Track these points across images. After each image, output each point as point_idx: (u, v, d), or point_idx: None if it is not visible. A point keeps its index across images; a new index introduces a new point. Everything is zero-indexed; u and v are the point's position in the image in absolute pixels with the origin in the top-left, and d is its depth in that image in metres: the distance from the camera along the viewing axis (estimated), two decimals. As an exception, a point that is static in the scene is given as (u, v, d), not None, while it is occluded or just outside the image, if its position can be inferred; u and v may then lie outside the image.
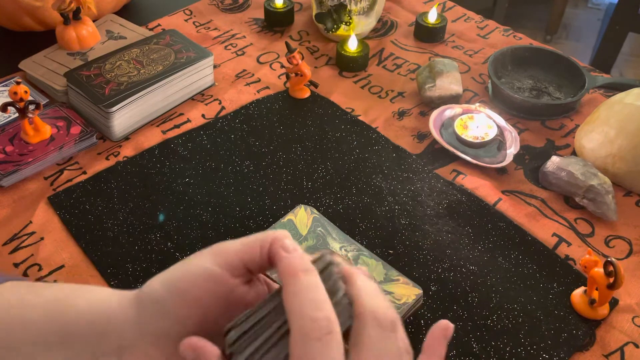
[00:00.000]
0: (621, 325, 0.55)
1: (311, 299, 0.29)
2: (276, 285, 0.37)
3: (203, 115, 0.78)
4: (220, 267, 0.33)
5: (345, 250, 0.58)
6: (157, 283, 0.33)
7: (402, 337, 0.31)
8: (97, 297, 0.35)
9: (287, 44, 0.78)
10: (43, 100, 0.78)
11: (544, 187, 0.70)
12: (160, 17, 0.97)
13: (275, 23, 0.97)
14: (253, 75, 0.86)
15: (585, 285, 0.57)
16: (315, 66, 0.88)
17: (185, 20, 0.97)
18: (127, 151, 0.72)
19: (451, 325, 0.35)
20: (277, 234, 0.33)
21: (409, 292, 0.55)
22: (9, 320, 0.35)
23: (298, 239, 0.59)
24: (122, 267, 0.59)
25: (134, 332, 0.33)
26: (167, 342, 0.32)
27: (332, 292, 0.31)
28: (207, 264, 0.33)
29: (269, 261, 0.33)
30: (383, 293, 0.32)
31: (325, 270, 0.32)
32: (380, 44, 0.94)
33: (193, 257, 0.34)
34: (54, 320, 0.34)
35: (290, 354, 0.28)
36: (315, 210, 0.62)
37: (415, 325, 0.54)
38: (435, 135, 0.73)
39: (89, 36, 0.84)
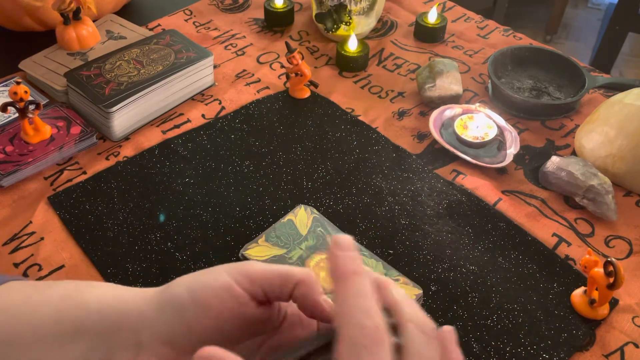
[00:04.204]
0: (621, 325, 0.55)
1: (361, 306, 0.28)
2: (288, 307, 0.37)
3: (203, 115, 0.78)
4: (243, 287, 0.33)
5: (345, 250, 0.58)
6: (183, 289, 0.33)
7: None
8: (107, 293, 0.35)
9: (287, 44, 0.78)
10: (43, 100, 0.78)
11: (544, 187, 0.70)
12: (160, 17, 0.97)
13: (275, 23, 0.97)
14: (253, 75, 0.86)
15: (585, 285, 0.57)
16: (315, 66, 0.88)
17: (185, 20, 0.97)
18: (127, 151, 0.72)
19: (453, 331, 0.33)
20: (338, 240, 0.32)
21: (409, 292, 0.55)
22: (18, 319, 0.35)
23: (298, 239, 0.59)
24: (122, 267, 0.59)
25: (152, 331, 0.33)
26: (182, 345, 0.33)
27: None
28: (232, 281, 0.33)
29: (289, 298, 0.33)
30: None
31: None
32: (380, 44, 0.94)
33: (221, 268, 0.34)
34: (65, 318, 0.34)
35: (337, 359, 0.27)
36: (315, 210, 0.62)
37: (415, 325, 0.54)
38: (435, 135, 0.73)
39: (89, 36, 0.84)
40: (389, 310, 0.30)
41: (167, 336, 0.33)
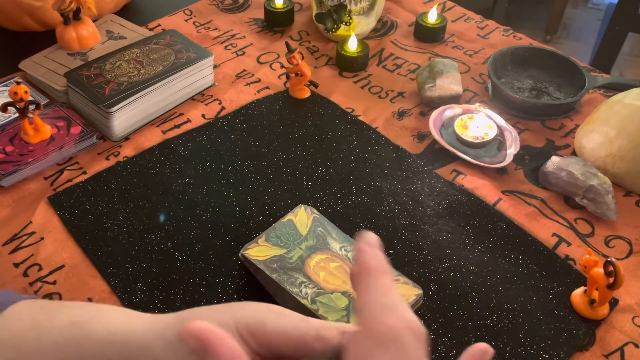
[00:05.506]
0: (621, 325, 0.55)
1: (383, 303, 0.29)
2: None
3: (203, 115, 0.78)
4: (256, 352, 0.33)
5: (345, 250, 0.58)
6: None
7: None
8: (116, 322, 0.35)
9: (287, 44, 0.78)
10: (43, 100, 0.78)
11: (544, 187, 0.70)
12: (160, 17, 0.97)
13: (275, 23, 0.97)
14: (253, 75, 0.86)
15: (585, 285, 0.57)
16: (315, 66, 0.88)
17: (185, 20, 0.97)
18: (127, 151, 0.72)
19: (491, 350, 0.32)
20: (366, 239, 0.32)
21: (409, 292, 0.55)
22: (25, 344, 0.34)
23: (298, 239, 0.59)
24: (122, 267, 0.59)
25: None
26: None
27: None
28: (240, 339, 0.32)
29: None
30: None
31: None
32: (380, 44, 0.94)
33: (230, 322, 0.33)
34: (72, 347, 0.34)
35: (350, 348, 0.28)
36: (315, 210, 0.62)
37: (415, 325, 0.54)
38: (435, 135, 0.73)
39: (89, 36, 0.84)
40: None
41: None
